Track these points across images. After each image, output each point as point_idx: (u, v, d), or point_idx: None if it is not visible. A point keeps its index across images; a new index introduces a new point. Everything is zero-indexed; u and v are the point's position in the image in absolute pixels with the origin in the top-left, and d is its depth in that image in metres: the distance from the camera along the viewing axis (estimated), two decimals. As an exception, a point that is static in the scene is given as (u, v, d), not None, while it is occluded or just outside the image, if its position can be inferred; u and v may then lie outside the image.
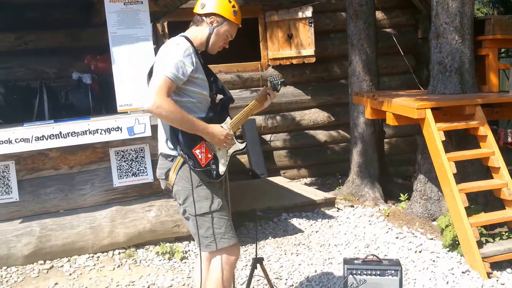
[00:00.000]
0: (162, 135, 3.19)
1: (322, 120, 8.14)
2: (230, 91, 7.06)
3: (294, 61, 7.65)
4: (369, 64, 6.68)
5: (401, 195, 6.30)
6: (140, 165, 5.01)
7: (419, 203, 5.83)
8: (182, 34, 3.18)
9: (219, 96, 3.31)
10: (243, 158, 7.90)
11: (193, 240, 5.25)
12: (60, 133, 4.61)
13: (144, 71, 4.87)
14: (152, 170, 5.03)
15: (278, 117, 8.02)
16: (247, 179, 7.66)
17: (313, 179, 8.15)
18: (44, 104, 5.92)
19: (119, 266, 4.93)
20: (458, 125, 5.15)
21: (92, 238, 4.98)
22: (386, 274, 3.83)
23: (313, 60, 7.55)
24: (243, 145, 3.36)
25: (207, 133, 3.03)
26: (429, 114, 5.04)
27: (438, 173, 5.04)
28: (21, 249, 4.80)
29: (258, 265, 3.90)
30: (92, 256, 5.01)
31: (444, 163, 4.89)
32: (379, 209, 6.31)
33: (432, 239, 5.29)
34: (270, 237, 5.64)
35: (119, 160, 4.97)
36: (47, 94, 5.89)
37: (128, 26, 4.86)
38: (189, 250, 5.16)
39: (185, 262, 4.97)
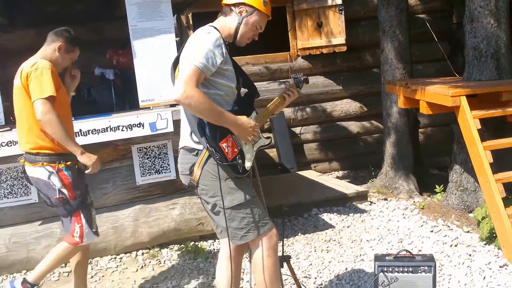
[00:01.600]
0: (186, 128, 3.14)
1: (354, 110, 7.96)
2: (258, 83, 7.08)
3: (325, 51, 7.48)
4: (401, 51, 6.48)
5: (437, 186, 6.09)
6: (163, 162, 4.96)
7: (455, 194, 5.62)
8: (211, 24, 3.11)
9: (244, 90, 3.25)
10: (272, 152, 7.79)
11: (218, 239, 5.21)
12: (80, 130, 4.58)
13: (167, 65, 4.93)
14: (175, 167, 4.96)
15: (308, 109, 7.87)
16: (276, 174, 7.54)
17: (345, 172, 7.98)
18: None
19: (142, 267, 4.88)
20: (494, 112, 4.94)
21: (114, 239, 4.94)
22: (419, 271, 3.67)
23: (344, 48, 7.38)
24: (268, 140, 3.32)
25: (235, 125, 2.99)
26: (464, 102, 4.85)
27: (474, 163, 4.84)
28: (41, 252, 4.71)
29: (285, 263, 3.81)
30: (115, 258, 4.98)
31: (480, 152, 4.69)
32: (414, 201, 6.12)
33: (468, 232, 5.10)
34: (299, 234, 5.52)
35: (141, 157, 4.93)
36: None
37: (149, 19, 4.82)
38: (214, 249, 5.08)
39: (210, 262, 4.89)
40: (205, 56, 2.86)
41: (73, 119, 4.11)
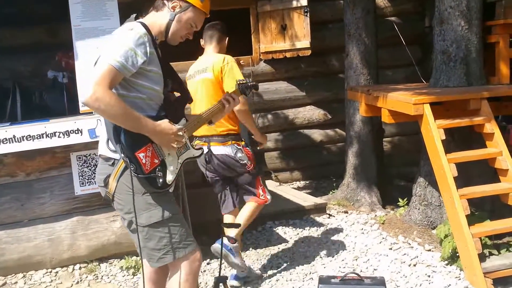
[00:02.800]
0: (103, 134, 2.79)
1: (317, 118, 7.60)
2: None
3: (288, 55, 7.11)
4: (367, 56, 6.15)
5: (400, 200, 5.74)
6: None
7: (418, 209, 5.29)
8: (140, 20, 2.80)
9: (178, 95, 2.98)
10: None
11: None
12: (14, 136, 4.20)
13: None
14: (117, 176, 4.56)
15: (269, 116, 7.48)
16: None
17: (307, 182, 7.60)
18: (16, 105, 5.66)
19: (78, 282, 4.48)
20: (460, 122, 4.62)
21: (50, 252, 4.54)
22: (367, 296, 3.31)
23: (308, 52, 7.01)
24: (199, 152, 3.01)
25: (154, 132, 2.67)
26: (427, 110, 4.52)
27: (437, 176, 4.52)
28: None
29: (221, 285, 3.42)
30: (50, 272, 4.57)
31: (444, 165, 4.37)
32: (376, 215, 5.78)
33: (430, 250, 4.77)
34: (251, 248, 5.15)
35: (81, 166, 4.52)
36: (20, 94, 5.64)
37: (93, 18, 4.48)
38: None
39: (150, 277, 4.48)
40: (124, 55, 2.56)
41: (8, 124, 4.22)
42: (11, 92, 5.60)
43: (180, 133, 2.79)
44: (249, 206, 4.48)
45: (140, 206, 2.69)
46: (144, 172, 2.64)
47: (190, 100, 2.99)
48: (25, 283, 4.42)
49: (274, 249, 5.09)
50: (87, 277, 4.50)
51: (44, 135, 4.26)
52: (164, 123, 2.71)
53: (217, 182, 4.55)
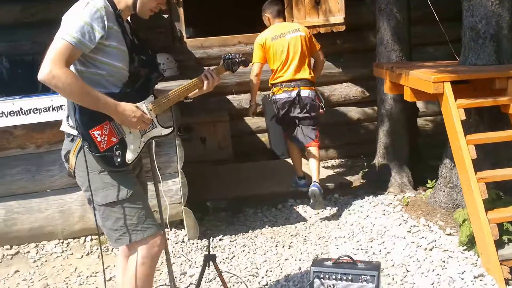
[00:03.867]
0: (65, 110, 2.79)
1: (354, 95, 7.42)
2: (249, 64, 6.38)
3: (322, 30, 6.95)
4: (399, 32, 5.90)
5: (429, 181, 5.52)
6: (115, 143, 4.60)
7: (443, 191, 5.09)
8: None
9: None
10: (264, 137, 7.36)
11: (175, 228, 4.87)
12: (21, 109, 4.30)
13: None
14: (129, 149, 4.61)
15: (304, 92, 7.36)
16: (266, 159, 7.12)
17: (342, 161, 7.47)
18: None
19: (88, 254, 4.62)
20: (483, 102, 4.38)
21: (61, 223, 4.68)
22: (360, 280, 3.25)
23: (342, 28, 6.82)
24: (167, 130, 2.92)
25: (115, 112, 2.61)
26: (447, 88, 4.30)
27: (456, 158, 4.33)
28: None
29: (211, 263, 3.44)
30: (62, 242, 4.73)
31: (462, 146, 4.17)
32: (403, 197, 5.59)
33: (450, 234, 4.59)
34: (267, 226, 5.12)
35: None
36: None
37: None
38: (167, 239, 4.70)
39: (161, 252, 4.53)
40: (80, 30, 2.48)
41: (19, 97, 4.33)
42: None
43: (147, 114, 2.74)
44: (315, 151, 5.45)
45: (97, 184, 2.68)
46: (99, 151, 2.61)
47: (160, 77, 2.90)
48: (37, 253, 4.59)
49: (290, 228, 5.04)
50: (97, 249, 4.62)
51: (51, 108, 4.33)
52: (127, 105, 2.64)
53: (293, 122, 5.46)
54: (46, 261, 4.51)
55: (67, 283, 4.21)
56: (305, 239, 4.78)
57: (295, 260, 4.34)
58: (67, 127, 2.72)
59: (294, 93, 5.35)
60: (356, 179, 6.30)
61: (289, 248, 4.60)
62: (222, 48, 7.33)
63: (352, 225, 4.97)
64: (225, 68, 3.13)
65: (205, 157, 7.07)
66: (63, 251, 4.62)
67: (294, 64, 5.39)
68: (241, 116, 7.31)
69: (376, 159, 6.26)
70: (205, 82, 2.96)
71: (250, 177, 6.32)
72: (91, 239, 4.73)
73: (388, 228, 4.79)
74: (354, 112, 7.51)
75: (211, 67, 3.07)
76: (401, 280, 3.89)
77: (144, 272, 2.79)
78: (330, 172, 6.58)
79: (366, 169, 6.50)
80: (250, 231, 5.03)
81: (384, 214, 5.10)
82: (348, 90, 7.44)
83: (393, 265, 4.11)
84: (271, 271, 4.18)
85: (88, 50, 2.54)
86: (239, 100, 7.29)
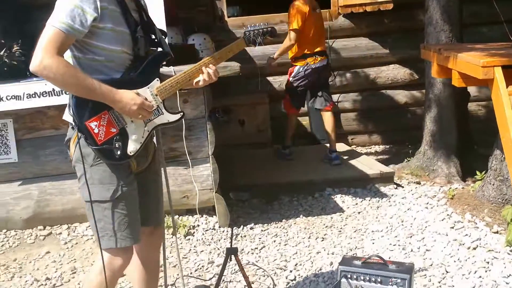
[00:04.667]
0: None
1: (402, 77, 7.13)
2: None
3: (368, 8, 6.66)
4: (449, 11, 5.58)
5: (478, 173, 5.22)
6: (145, 127, 4.51)
7: (493, 184, 4.79)
8: None
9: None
10: (305, 121, 7.17)
11: (207, 214, 4.77)
12: (53, 90, 4.25)
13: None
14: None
15: (348, 74, 7.12)
16: (307, 144, 6.94)
17: (387, 147, 7.21)
18: None
19: (118, 238, 4.54)
20: (538, 90, 4.05)
21: (93, 206, 4.64)
22: (390, 283, 3.03)
23: (390, 6, 6.54)
24: (176, 116, 2.66)
25: (113, 101, 2.42)
26: (498, 74, 4.00)
27: (505, 150, 4.05)
28: (20, 212, 4.62)
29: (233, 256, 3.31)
30: (94, 225, 4.67)
31: (513, 137, 3.87)
32: (449, 188, 5.31)
33: (497, 232, 4.31)
34: (301, 215, 4.96)
35: (115, 122, 4.52)
36: None
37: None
38: (197, 226, 4.63)
39: (189, 239, 4.49)
40: (70, 14, 2.30)
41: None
42: None
43: (151, 101, 2.53)
44: (329, 117, 6.08)
45: (87, 177, 2.50)
46: (96, 143, 2.44)
47: (167, 56, 2.65)
48: (68, 234, 4.60)
49: (326, 219, 4.87)
50: (129, 234, 4.55)
51: None
52: (126, 93, 2.44)
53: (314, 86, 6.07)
54: (77, 243, 4.50)
55: (93, 268, 4.19)
56: (340, 231, 4.60)
57: (327, 254, 4.17)
58: (68, 115, 2.56)
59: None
60: (399, 168, 6.04)
61: (322, 241, 4.44)
62: (264, 27, 7.12)
63: (391, 218, 4.75)
64: (246, 42, 2.78)
65: (243, 140, 6.96)
66: (93, 234, 4.60)
67: (319, 37, 6.07)
68: (281, 98, 7.12)
69: (422, 147, 5.99)
70: (201, 76, 2.67)
71: (288, 162, 6.16)
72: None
73: (430, 223, 4.55)
74: (401, 96, 7.22)
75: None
76: (439, 282, 3.66)
77: (101, 281, 2.58)
78: (372, 159, 6.33)
79: (411, 157, 6.23)
80: (283, 220, 4.88)
81: (427, 207, 4.85)
82: (396, 72, 7.15)
83: (431, 265, 3.89)
84: (300, 264, 4.03)
85: (81, 36, 2.36)
86: (280, 81, 7.11)
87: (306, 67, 5.92)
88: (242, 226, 4.73)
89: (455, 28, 5.62)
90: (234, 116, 7.09)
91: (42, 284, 3.87)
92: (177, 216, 4.66)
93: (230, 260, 3.31)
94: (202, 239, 4.47)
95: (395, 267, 3.08)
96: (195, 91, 4.47)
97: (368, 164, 5.86)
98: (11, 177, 4.56)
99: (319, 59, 5.95)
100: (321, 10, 6.36)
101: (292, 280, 3.82)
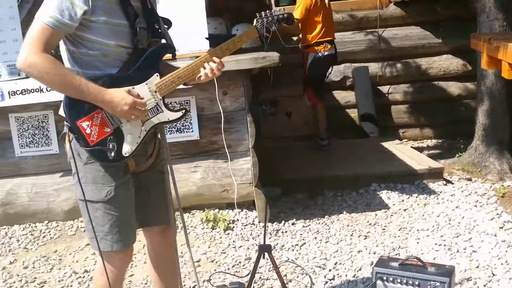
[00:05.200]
0: None
1: (455, 69, 6.91)
2: (341, 33, 6.33)
3: (419, -5, 6.49)
4: (503, -2, 5.35)
5: (532, 170, 5.03)
6: (185, 120, 4.53)
7: (547, 183, 4.59)
8: None
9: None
10: (353, 113, 7.05)
11: (247, 209, 4.74)
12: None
13: (194, 10, 4.50)
14: (198, 126, 4.53)
15: (398, 65, 6.96)
16: (355, 137, 6.83)
17: (439, 141, 7.00)
18: None
19: (159, 231, 4.58)
20: None
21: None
22: (428, 286, 2.94)
23: (442, -7, 6.34)
24: (178, 114, 2.47)
25: (102, 102, 2.27)
26: (552, 66, 3.81)
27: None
28: (61, 204, 4.70)
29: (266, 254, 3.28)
30: (137, 218, 4.73)
31: None
32: (502, 186, 5.12)
33: (550, 234, 4.11)
34: (345, 212, 4.88)
35: (162, 113, 4.52)
36: None
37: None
38: (237, 220, 4.61)
39: (228, 234, 4.47)
40: (58, 8, 2.18)
41: None
42: None
43: (148, 99, 2.37)
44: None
45: (79, 176, 2.40)
46: (88, 144, 2.32)
47: (169, 49, 2.49)
48: (109, 227, 4.64)
49: (370, 216, 4.77)
50: (168, 226, 4.57)
51: None
52: (117, 92, 2.27)
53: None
54: (116, 236, 4.57)
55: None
56: (383, 229, 4.49)
57: (369, 253, 4.08)
58: (63, 111, 2.45)
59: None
60: (450, 163, 5.87)
61: (365, 239, 4.35)
62: (312, 17, 7.03)
63: (438, 216, 4.61)
64: (259, 31, 2.52)
65: (289, 133, 6.91)
66: (135, 226, 4.67)
67: (330, 23, 6.24)
68: (329, 89, 7.04)
69: (474, 142, 5.80)
70: (202, 71, 2.46)
71: (333, 156, 6.09)
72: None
73: (478, 222, 4.38)
74: (454, 88, 7.01)
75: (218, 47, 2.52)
76: (484, 286, 3.52)
77: (105, 282, 2.52)
78: (423, 154, 6.17)
79: (463, 152, 6.03)
80: (326, 216, 4.82)
81: (476, 206, 4.69)
82: (448, 62, 6.94)
83: (477, 267, 3.74)
84: (340, 263, 3.95)
85: (71, 30, 2.24)
86: (328, 72, 6.99)
87: (318, 53, 6.10)
88: (283, 222, 4.68)
89: (510, 16, 5.38)
90: (281, 108, 7.05)
91: (80, 277, 3.93)
92: (217, 210, 4.66)
93: (264, 257, 3.28)
94: (241, 234, 4.46)
95: (434, 269, 2.99)
96: (235, 82, 4.46)
97: (417, 159, 5.71)
98: (52, 168, 4.63)
99: (328, 47, 6.11)
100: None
101: (330, 280, 3.75)
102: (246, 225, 4.60)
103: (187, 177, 4.62)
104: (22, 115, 4.50)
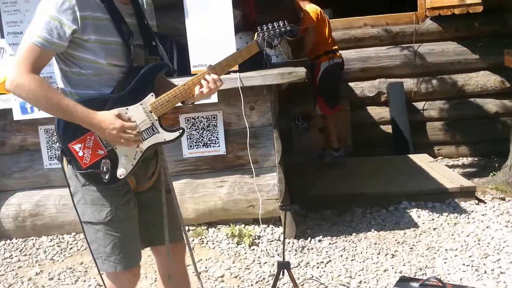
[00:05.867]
0: None
1: (493, 85, 6.81)
2: (376, 48, 6.32)
3: (456, 11, 6.44)
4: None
5: None
6: (211, 135, 4.61)
7: None
8: None
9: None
10: (388, 129, 7.01)
11: (273, 225, 4.77)
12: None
13: (222, 25, 4.57)
14: (225, 141, 4.60)
15: (434, 81, 6.90)
16: (388, 154, 6.79)
17: (475, 159, 6.90)
18: (173, 62, 5.88)
19: (184, 244, 4.64)
20: None
21: (161, 211, 4.77)
22: (447, 307, 2.92)
23: (479, 9, 6.28)
24: (175, 134, 2.40)
25: (91, 125, 2.23)
26: None
27: None
28: None
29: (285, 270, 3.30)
30: (157, 232, 4.80)
31: None
32: (538, 206, 5.03)
33: None
34: (373, 229, 4.85)
35: (189, 128, 4.63)
36: (177, 51, 5.84)
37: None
38: (262, 236, 4.65)
39: (253, 249, 4.51)
40: (47, 27, 2.16)
41: None
42: (169, 49, 5.85)
43: (140, 120, 2.32)
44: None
45: (78, 197, 2.39)
46: (80, 167, 2.29)
47: (164, 68, 2.45)
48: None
49: (398, 234, 4.74)
50: (193, 240, 4.64)
51: None
52: (105, 116, 2.23)
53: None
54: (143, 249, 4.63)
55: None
56: (411, 248, 4.46)
57: (395, 273, 4.05)
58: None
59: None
60: (484, 182, 5.79)
61: (392, 257, 4.32)
62: (346, 31, 7.09)
63: (468, 236, 4.55)
64: (259, 46, 2.43)
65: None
66: (157, 241, 4.73)
67: None
68: (363, 105, 7.03)
69: (509, 160, 5.72)
70: (197, 89, 2.39)
71: (364, 172, 6.07)
72: (188, 230, 4.75)
73: (509, 243, 4.31)
74: (491, 105, 6.92)
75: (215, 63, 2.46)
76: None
77: None
78: (456, 172, 6.10)
79: (497, 171, 5.94)
80: (354, 233, 4.81)
81: (507, 226, 4.61)
82: (486, 79, 6.86)
83: (504, 289, 3.70)
84: (365, 282, 3.94)
85: (61, 49, 2.22)
86: (362, 87, 7.01)
87: (330, 62, 6.24)
88: (309, 238, 4.70)
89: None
90: (314, 123, 7.07)
91: (104, 289, 4.03)
92: (242, 225, 4.71)
93: (283, 274, 3.30)
94: (266, 250, 4.49)
95: (455, 291, 2.97)
96: (263, 98, 4.51)
97: (449, 177, 5.64)
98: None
99: (338, 55, 6.34)
100: (407, 13, 6.27)
101: (353, 298, 3.76)
102: (272, 241, 4.63)
103: (213, 192, 4.68)
104: (51, 128, 4.61)
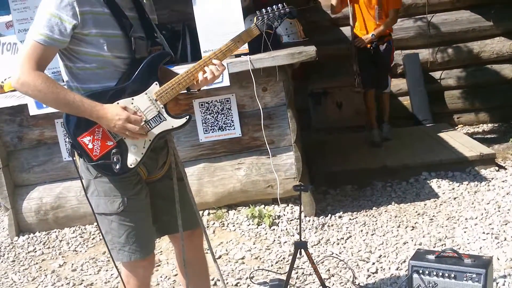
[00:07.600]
0: None
1: (508, 51, 6.61)
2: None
3: (469, -22, 6.24)
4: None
5: None
6: (226, 118, 4.55)
7: None
8: None
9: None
10: (406, 101, 6.87)
11: (293, 204, 4.70)
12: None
13: (230, 11, 4.49)
14: (240, 124, 4.54)
15: (450, 50, 6.72)
16: (409, 125, 6.67)
17: (495, 125, 6.72)
18: (187, 48, 5.83)
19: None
20: None
21: (179, 196, 4.75)
22: (465, 278, 2.83)
23: (492, -25, 6.07)
24: (182, 121, 2.41)
25: (97, 118, 2.24)
26: None
27: None
28: None
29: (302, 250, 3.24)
30: (182, 217, 4.79)
31: None
32: (560, 170, 4.88)
33: None
34: (393, 202, 4.77)
35: (203, 113, 4.57)
36: (190, 37, 5.78)
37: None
38: (282, 215, 4.60)
39: (274, 229, 4.46)
40: (48, 24, 2.16)
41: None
42: (182, 35, 5.79)
43: (146, 108, 2.33)
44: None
45: (91, 189, 2.41)
46: (91, 159, 2.29)
47: (167, 56, 2.44)
48: (157, 228, 4.72)
49: (419, 205, 4.65)
50: (214, 223, 4.61)
51: None
52: (111, 108, 2.24)
53: None
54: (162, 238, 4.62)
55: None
56: (431, 219, 4.36)
57: (415, 245, 3.97)
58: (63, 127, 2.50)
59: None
60: (504, 148, 5.65)
61: (412, 230, 4.24)
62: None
63: (488, 204, 4.43)
64: (260, 28, 2.44)
65: (340, 123, 6.83)
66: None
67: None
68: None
69: (529, 125, 5.55)
70: (200, 75, 2.40)
71: (384, 145, 5.96)
72: (208, 213, 4.73)
73: (530, 208, 4.21)
74: (508, 70, 6.73)
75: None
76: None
77: None
78: (479, 139, 5.94)
79: (518, 136, 5.80)
80: (374, 207, 4.73)
81: (529, 191, 4.49)
82: (501, 45, 6.67)
83: (525, 257, 3.59)
84: (384, 256, 3.87)
85: (63, 45, 2.23)
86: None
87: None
88: (330, 215, 4.63)
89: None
90: (331, 99, 6.97)
91: (127, 277, 4.03)
92: (262, 206, 4.66)
93: (300, 254, 3.25)
94: (286, 229, 4.44)
95: (471, 261, 2.87)
96: (275, 78, 4.42)
97: (468, 146, 5.50)
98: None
99: None
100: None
101: (373, 273, 3.67)
102: (292, 220, 4.57)
103: (231, 175, 4.63)
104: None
